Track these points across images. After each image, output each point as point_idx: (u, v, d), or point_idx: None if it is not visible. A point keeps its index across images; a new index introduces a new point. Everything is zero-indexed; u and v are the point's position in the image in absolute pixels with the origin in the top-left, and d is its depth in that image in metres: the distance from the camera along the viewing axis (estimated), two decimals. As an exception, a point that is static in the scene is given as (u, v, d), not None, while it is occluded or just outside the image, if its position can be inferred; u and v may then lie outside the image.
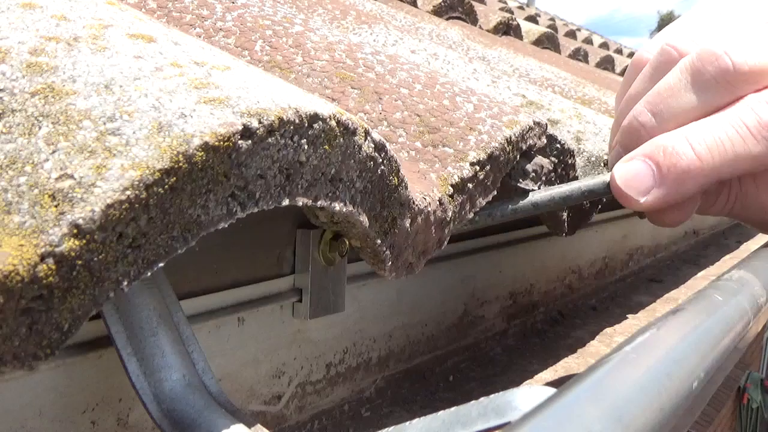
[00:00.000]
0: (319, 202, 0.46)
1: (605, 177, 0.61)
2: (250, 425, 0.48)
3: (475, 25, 2.59)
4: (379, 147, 0.52)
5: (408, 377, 0.91)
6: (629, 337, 0.36)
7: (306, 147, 0.44)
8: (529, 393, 0.40)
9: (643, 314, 1.37)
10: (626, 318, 1.33)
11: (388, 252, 0.57)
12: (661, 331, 0.37)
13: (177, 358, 0.49)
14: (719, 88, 0.53)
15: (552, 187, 0.66)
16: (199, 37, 0.73)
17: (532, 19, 4.38)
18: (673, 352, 0.35)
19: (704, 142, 0.52)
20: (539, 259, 1.23)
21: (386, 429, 0.44)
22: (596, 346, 1.14)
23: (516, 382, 0.96)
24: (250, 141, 0.39)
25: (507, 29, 2.83)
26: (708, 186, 0.54)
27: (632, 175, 0.55)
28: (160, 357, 0.48)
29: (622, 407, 0.28)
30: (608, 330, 1.24)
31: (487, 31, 2.66)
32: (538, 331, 1.21)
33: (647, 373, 0.32)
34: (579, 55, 3.52)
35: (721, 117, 0.53)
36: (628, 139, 0.58)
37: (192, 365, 0.50)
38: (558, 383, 0.95)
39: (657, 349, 0.35)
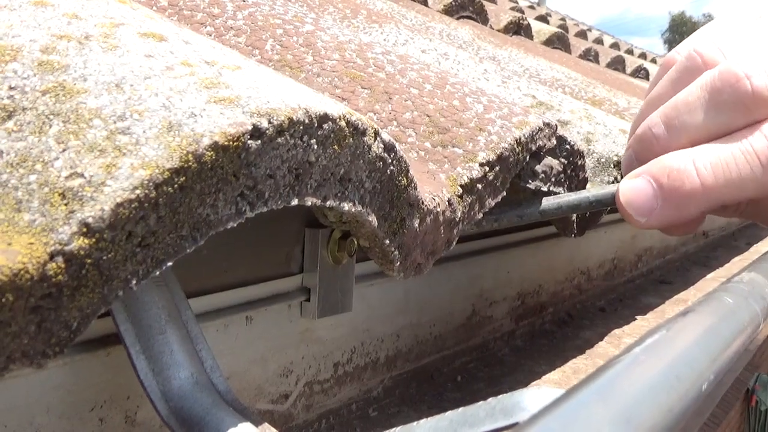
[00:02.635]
0: (328, 202, 0.46)
1: (614, 188, 0.61)
2: (257, 424, 0.48)
3: (486, 25, 2.59)
4: (389, 147, 0.52)
5: (416, 377, 0.90)
6: (639, 338, 0.36)
7: (315, 147, 0.44)
8: (538, 394, 0.40)
9: (652, 316, 1.37)
10: (635, 319, 1.33)
11: (396, 252, 0.57)
12: (671, 333, 0.37)
13: (185, 356, 0.49)
14: (736, 111, 0.52)
15: (561, 195, 0.66)
16: (210, 35, 0.73)
17: (543, 18, 4.37)
18: (683, 354, 0.35)
19: (710, 166, 0.51)
20: (548, 260, 1.23)
21: (394, 429, 0.44)
22: (604, 348, 1.14)
23: (524, 383, 0.96)
24: (259, 141, 0.39)
25: (517, 29, 2.83)
26: (711, 209, 0.53)
27: (635, 194, 0.55)
28: (168, 355, 0.49)
29: (631, 409, 0.28)
30: (617, 331, 1.24)
31: (498, 30, 2.65)
32: (547, 332, 1.21)
33: (657, 375, 0.32)
34: (589, 56, 3.51)
35: (731, 140, 0.52)
36: (640, 147, 0.58)
37: (200, 363, 0.50)
38: (566, 384, 0.95)
39: (667, 350, 0.34)
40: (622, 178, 0.67)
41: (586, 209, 0.64)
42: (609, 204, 0.62)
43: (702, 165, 0.52)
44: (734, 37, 0.57)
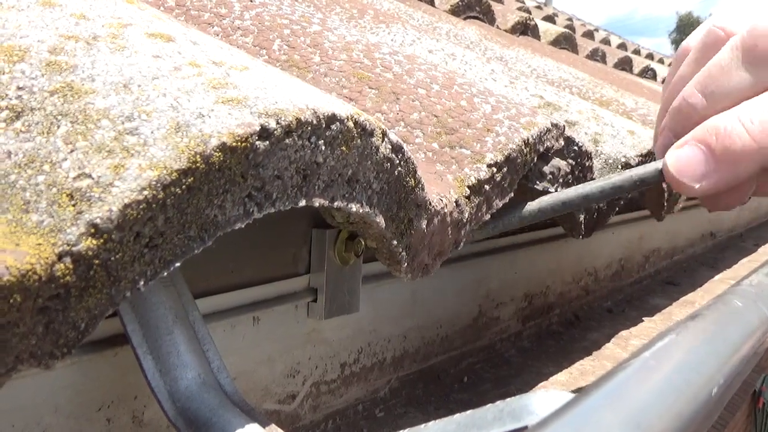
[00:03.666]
0: (335, 203, 0.46)
1: (657, 164, 0.58)
2: (264, 425, 0.48)
3: (493, 25, 2.59)
4: (397, 148, 0.51)
5: (422, 378, 0.90)
6: (648, 342, 0.36)
7: (323, 148, 0.43)
8: (546, 397, 0.40)
9: (659, 317, 1.36)
10: (642, 321, 1.32)
11: (404, 253, 0.56)
12: (680, 337, 0.36)
13: (192, 356, 0.49)
14: None
15: (600, 178, 0.63)
16: (217, 35, 0.73)
17: (550, 19, 4.37)
18: (692, 358, 0.34)
19: (758, 121, 0.50)
20: (555, 261, 1.22)
21: (401, 431, 0.44)
22: (612, 349, 1.14)
23: (530, 384, 0.96)
24: (267, 142, 0.39)
25: (524, 29, 2.82)
26: (766, 165, 0.52)
27: (685, 161, 0.52)
28: (175, 355, 0.49)
29: (641, 413, 0.28)
30: (624, 333, 1.23)
31: (505, 31, 2.65)
32: (554, 333, 1.21)
33: (666, 380, 0.32)
34: (597, 56, 3.50)
35: None
36: (678, 122, 0.56)
37: (207, 364, 0.50)
38: (573, 386, 0.95)
39: (676, 355, 0.34)
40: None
41: (631, 189, 0.60)
42: (654, 181, 0.59)
43: (749, 120, 0.50)
44: (751, 9, 0.56)
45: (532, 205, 0.66)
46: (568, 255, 1.27)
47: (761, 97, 0.51)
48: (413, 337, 0.88)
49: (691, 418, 0.31)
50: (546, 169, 0.72)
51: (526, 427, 0.38)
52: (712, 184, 0.52)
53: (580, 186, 0.63)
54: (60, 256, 0.31)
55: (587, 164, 0.81)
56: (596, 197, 0.62)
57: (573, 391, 0.37)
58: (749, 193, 0.55)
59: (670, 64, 0.63)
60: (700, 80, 0.54)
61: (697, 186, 0.52)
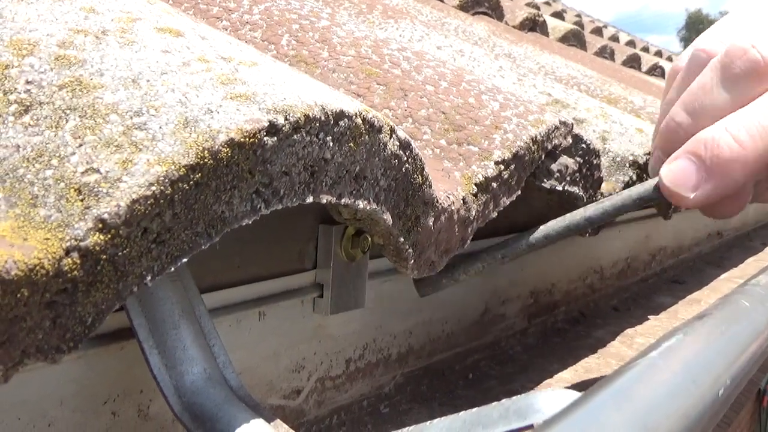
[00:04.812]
0: (343, 200, 0.46)
1: (653, 181, 0.60)
2: (269, 420, 0.48)
3: (501, 21, 2.58)
4: (404, 145, 0.51)
5: (427, 374, 0.90)
6: (655, 342, 0.35)
7: (331, 144, 0.43)
8: (552, 396, 0.40)
9: (665, 315, 1.36)
10: (648, 319, 1.32)
11: (410, 250, 0.56)
12: (687, 337, 0.36)
13: (198, 351, 0.49)
14: (751, 80, 0.53)
15: (603, 199, 0.66)
16: (226, 30, 0.73)
17: (559, 15, 4.35)
18: (699, 358, 0.34)
19: (744, 129, 0.52)
20: (561, 259, 1.22)
21: (407, 428, 0.44)
22: (617, 347, 1.13)
23: (535, 382, 0.96)
24: (275, 138, 0.39)
25: (533, 25, 2.81)
26: (757, 172, 0.53)
27: (678, 173, 0.55)
28: (181, 350, 0.49)
29: (647, 414, 0.28)
30: (629, 331, 1.23)
31: (513, 27, 2.64)
32: (559, 331, 1.20)
33: (673, 380, 0.32)
34: (605, 53, 3.49)
35: (758, 102, 0.53)
36: (667, 141, 0.58)
37: (213, 359, 0.50)
38: (578, 383, 0.95)
39: (683, 355, 0.34)
40: (638, 181, 0.67)
41: (631, 207, 0.64)
42: (652, 198, 0.61)
43: (735, 129, 0.52)
44: (732, 30, 0.59)
45: (539, 232, 0.70)
46: (574, 253, 1.27)
47: (746, 108, 0.54)
48: (419, 334, 0.88)
49: (698, 419, 0.31)
50: (554, 166, 0.72)
51: (531, 426, 0.38)
52: (707, 193, 0.54)
53: (584, 208, 0.67)
54: (67, 251, 0.31)
55: (595, 162, 0.81)
56: (600, 219, 0.66)
57: (578, 389, 0.37)
58: (747, 200, 0.58)
59: None
60: (685, 100, 0.58)
61: (692, 195, 0.55)
